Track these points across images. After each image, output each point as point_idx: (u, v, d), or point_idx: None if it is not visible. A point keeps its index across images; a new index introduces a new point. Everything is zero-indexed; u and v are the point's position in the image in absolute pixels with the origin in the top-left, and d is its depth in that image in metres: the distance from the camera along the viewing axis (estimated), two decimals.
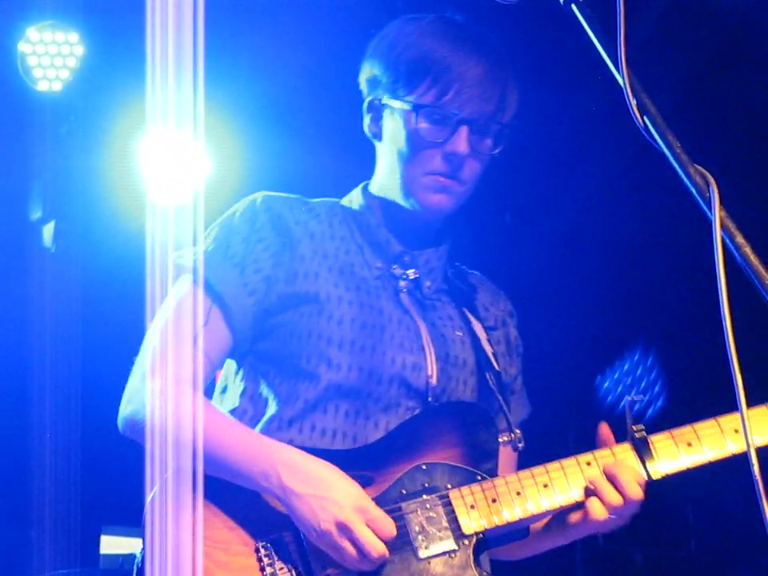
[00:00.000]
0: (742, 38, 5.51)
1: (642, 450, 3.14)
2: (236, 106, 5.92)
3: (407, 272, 3.44)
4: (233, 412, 3.33)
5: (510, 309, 3.66)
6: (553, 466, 3.15)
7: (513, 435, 3.32)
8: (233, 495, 3.10)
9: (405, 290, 3.43)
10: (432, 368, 3.34)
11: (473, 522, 3.08)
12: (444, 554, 3.06)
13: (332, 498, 2.97)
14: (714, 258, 2.24)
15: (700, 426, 3.18)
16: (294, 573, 3.03)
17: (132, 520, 3.23)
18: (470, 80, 3.27)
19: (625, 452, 3.16)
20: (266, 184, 5.95)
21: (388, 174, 3.41)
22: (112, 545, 6.17)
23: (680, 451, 3.14)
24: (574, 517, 3.17)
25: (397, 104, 3.33)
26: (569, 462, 3.16)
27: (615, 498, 3.09)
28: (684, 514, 6.99)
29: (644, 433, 3.16)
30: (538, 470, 3.15)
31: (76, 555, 5.75)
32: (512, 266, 5.98)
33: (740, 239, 2.26)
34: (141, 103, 5.27)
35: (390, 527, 3.00)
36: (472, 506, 3.09)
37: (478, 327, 3.51)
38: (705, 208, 2.29)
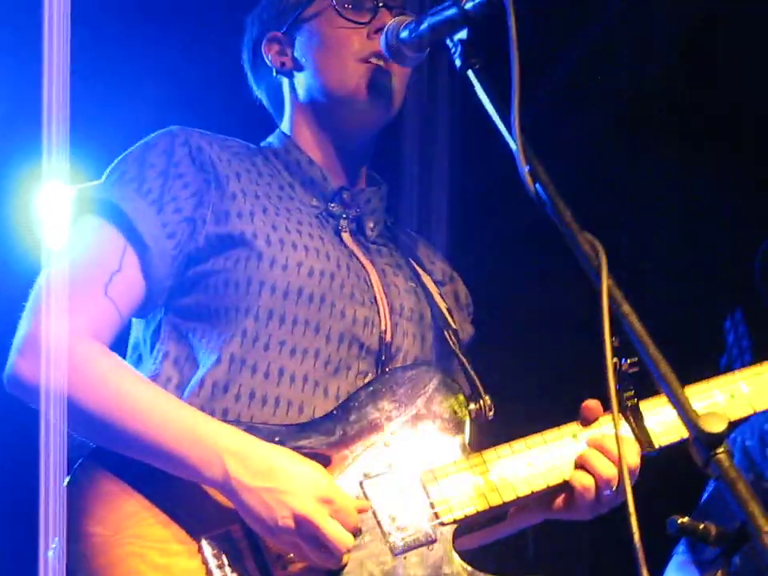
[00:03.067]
0: (645, 102, 5.62)
1: (636, 418, 2.80)
2: None
3: (348, 211, 3.10)
4: (153, 380, 2.84)
5: (451, 270, 3.35)
6: (534, 440, 2.87)
7: (482, 402, 2.96)
8: (168, 484, 2.66)
9: (347, 229, 3.09)
10: (386, 322, 2.98)
11: (457, 510, 2.73)
12: (420, 545, 2.68)
13: (290, 490, 2.56)
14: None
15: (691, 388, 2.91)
16: (247, 574, 2.63)
17: None
18: None
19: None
20: None
21: (309, 87, 3.11)
22: None
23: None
24: (561, 496, 2.88)
25: (313, 7, 3.10)
26: (552, 435, 2.87)
27: (607, 470, 2.78)
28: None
29: (635, 400, 2.78)
30: (518, 444, 2.85)
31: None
32: None
33: (626, 308, 2.28)
34: (37, 156, 5.24)
35: (356, 518, 2.62)
36: (449, 489, 2.73)
37: (428, 281, 3.18)
38: (593, 276, 2.32)
